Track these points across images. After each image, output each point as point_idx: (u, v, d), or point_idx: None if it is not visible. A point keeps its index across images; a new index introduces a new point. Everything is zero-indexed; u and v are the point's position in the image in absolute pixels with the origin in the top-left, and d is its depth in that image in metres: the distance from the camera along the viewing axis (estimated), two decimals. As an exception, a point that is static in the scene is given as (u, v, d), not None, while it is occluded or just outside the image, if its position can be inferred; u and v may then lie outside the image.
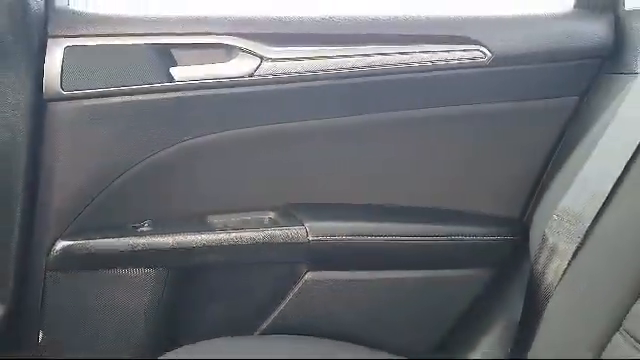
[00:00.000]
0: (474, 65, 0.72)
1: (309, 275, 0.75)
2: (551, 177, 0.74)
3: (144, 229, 0.73)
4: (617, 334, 0.52)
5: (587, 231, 0.59)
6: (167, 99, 0.69)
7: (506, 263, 0.77)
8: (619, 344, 0.51)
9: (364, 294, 0.76)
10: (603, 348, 0.53)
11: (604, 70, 0.74)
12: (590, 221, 0.59)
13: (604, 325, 0.53)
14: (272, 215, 0.77)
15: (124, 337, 0.75)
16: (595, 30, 0.73)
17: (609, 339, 0.52)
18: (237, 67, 0.69)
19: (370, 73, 0.71)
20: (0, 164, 0.66)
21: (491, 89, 0.75)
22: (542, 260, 0.66)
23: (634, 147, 0.57)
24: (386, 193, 0.79)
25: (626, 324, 0.51)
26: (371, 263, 0.76)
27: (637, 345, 0.48)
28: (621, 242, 0.56)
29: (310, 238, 0.73)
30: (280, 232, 0.73)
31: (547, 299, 0.63)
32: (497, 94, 0.75)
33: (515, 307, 0.70)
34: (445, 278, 0.77)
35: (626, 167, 0.57)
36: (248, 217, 0.77)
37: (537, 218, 0.71)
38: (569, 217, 0.64)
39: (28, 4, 0.63)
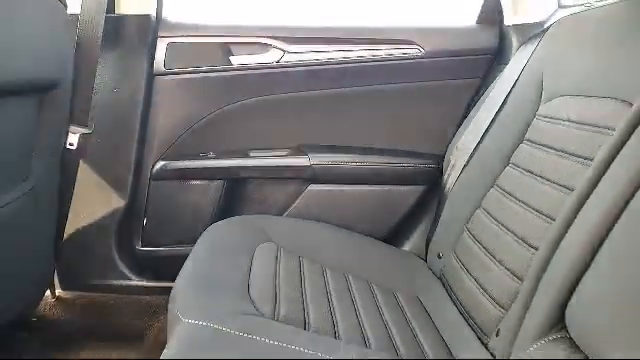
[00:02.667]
0: (413, 57, 1.09)
1: (310, 187, 1.13)
2: (461, 127, 1.08)
3: (209, 156, 1.12)
4: (478, 210, 0.88)
5: (470, 154, 0.97)
6: (228, 76, 1.07)
7: (433, 182, 1.16)
8: (480, 217, 0.87)
9: (345, 199, 1.14)
10: (468, 220, 0.88)
11: (494, 63, 1.11)
12: (472, 148, 0.97)
13: (472, 206, 0.89)
14: (288, 151, 1.14)
15: (196, 225, 1.11)
16: (488, 37, 1.10)
17: (473, 214, 0.89)
18: (269, 57, 1.07)
19: (349, 62, 1.08)
20: (126, 113, 1.05)
21: (424, 73, 1.10)
22: (446, 176, 1.04)
23: (499, 105, 0.95)
24: (360, 137, 1.16)
25: (483, 204, 0.88)
26: (350, 180, 1.13)
27: (487, 215, 0.84)
28: (487, 159, 0.92)
29: (311, 163, 1.12)
30: (293, 160, 1.12)
31: (446, 197, 1.01)
32: (428, 76, 1.10)
33: (434, 210, 1.08)
34: (395, 191, 1.15)
35: (493, 119, 0.95)
36: (274, 151, 1.14)
37: (449, 151, 1.08)
38: (463, 147, 1.01)
39: (148, 17, 1.02)
